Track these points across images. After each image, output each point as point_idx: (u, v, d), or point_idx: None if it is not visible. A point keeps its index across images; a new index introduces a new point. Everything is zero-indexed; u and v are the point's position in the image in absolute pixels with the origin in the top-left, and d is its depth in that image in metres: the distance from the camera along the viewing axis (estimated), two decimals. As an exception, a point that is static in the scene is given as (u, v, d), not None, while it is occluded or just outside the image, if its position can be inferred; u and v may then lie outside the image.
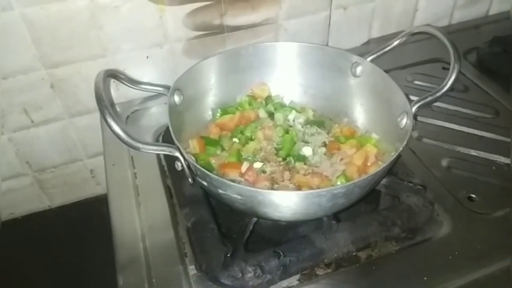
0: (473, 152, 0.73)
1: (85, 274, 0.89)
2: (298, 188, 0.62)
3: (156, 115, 0.82)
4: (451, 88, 0.60)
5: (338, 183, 0.62)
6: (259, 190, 0.55)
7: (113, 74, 0.61)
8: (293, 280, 0.56)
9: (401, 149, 0.55)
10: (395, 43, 0.69)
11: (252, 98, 0.77)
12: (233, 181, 0.61)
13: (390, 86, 0.65)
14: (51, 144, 0.85)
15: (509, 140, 0.75)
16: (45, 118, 0.81)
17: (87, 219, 0.93)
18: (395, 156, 0.54)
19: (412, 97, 0.63)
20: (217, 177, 0.53)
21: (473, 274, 0.56)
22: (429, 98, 0.61)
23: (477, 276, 0.56)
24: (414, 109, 0.60)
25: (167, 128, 0.60)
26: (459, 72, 0.86)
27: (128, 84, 0.64)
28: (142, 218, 0.63)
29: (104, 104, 0.52)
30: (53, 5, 0.69)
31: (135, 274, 0.57)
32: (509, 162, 0.71)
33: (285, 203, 0.53)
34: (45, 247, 0.91)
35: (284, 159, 0.66)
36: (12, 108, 0.78)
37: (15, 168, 0.85)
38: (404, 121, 0.61)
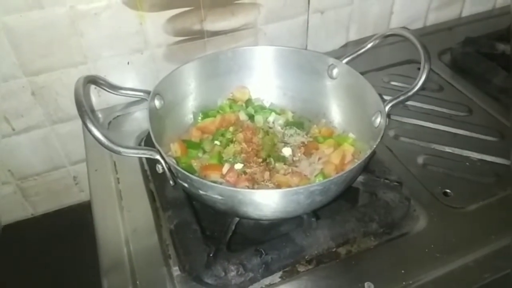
0: (447, 149, 0.75)
1: (70, 282, 0.89)
2: (278, 187, 0.63)
3: (138, 120, 0.82)
4: (423, 87, 0.63)
5: (317, 181, 0.63)
6: (239, 189, 0.56)
7: (93, 80, 0.61)
8: (275, 277, 0.57)
9: (375, 146, 0.57)
10: (369, 45, 0.72)
11: (233, 101, 0.78)
12: (215, 182, 0.62)
13: (365, 86, 0.67)
14: (33, 152, 0.85)
15: (481, 136, 0.77)
16: (26, 125, 0.81)
17: (71, 227, 0.93)
18: (369, 154, 0.56)
19: (388, 97, 0.65)
20: (197, 178, 0.54)
21: (448, 265, 0.58)
22: (402, 97, 0.63)
23: (452, 267, 0.58)
24: (387, 108, 0.62)
25: (149, 133, 0.60)
26: (433, 72, 0.90)
27: (109, 90, 0.65)
28: (125, 222, 0.64)
29: (84, 109, 0.52)
30: (32, 13, 0.70)
31: (119, 277, 0.57)
32: (482, 158, 0.73)
33: (264, 201, 0.54)
34: (29, 255, 0.91)
35: (264, 160, 0.68)
36: (-8, 117, 0.78)
37: (-3, 176, 0.85)
38: (378, 120, 0.63)
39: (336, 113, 0.76)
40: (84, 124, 0.52)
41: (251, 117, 0.76)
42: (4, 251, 0.91)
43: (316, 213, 0.62)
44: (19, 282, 0.89)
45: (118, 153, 0.54)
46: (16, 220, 0.93)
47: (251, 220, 0.64)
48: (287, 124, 0.75)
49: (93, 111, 0.84)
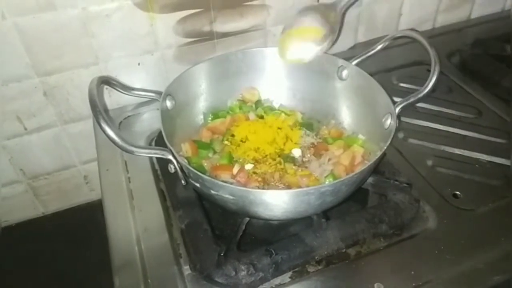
0: (457, 151, 0.75)
1: (80, 280, 0.90)
2: (288, 188, 0.64)
3: (148, 120, 0.83)
4: (433, 89, 0.63)
5: (327, 182, 0.64)
6: (250, 190, 0.56)
7: (106, 81, 0.62)
8: (285, 277, 0.57)
9: (385, 148, 0.57)
10: (379, 47, 0.72)
11: (243, 102, 0.79)
12: (225, 182, 0.63)
13: (375, 88, 0.67)
14: (45, 151, 0.86)
15: (491, 138, 0.77)
16: (38, 125, 0.82)
17: (81, 226, 0.94)
18: (379, 155, 0.56)
19: (397, 99, 0.65)
20: (209, 178, 0.55)
21: (458, 267, 0.58)
22: (412, 99, 0.63)
23: (461, 269, 0.58)
24: (397, 110, 0.63)
25: (160, 133, 0.61)
26: (442, 73, 0.90)
27: (121, 91, 0.65)
28: (136, 221, 0.65)
29: (98, 109, 0.53)
30: (45, 14, 0.71)
31: (131, 275, 0.58)
32: (491, 160, 0.73)
33: (275, 202, 0.55)
34: (39, 254, 0.92)
35: (274, 160, 0.68)
36: (5, 116, 0.79)
37: (9, 175, 0.86)
38: (389, 121, 0.63)
39: (346, 115, 0.76)
40: (99, 124, 0.53)
41: (261, 118, 0.76)
42: (15, 249, 0.92)
43: (326, 214, 0.63)
44: (29, 280, 0.90)
45: (132, 152, 0.55)
46: (27, 218, 0.94)
47: (261, 220, 0.65)
48: (297, 125, 0.75)
49: (106, 111, 0.85)
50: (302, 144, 0.72)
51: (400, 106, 0.63)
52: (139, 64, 0.83)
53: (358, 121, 0.74)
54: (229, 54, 0.77)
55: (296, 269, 0.58)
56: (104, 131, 0.53)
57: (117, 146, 0.54)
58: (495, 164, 0.73)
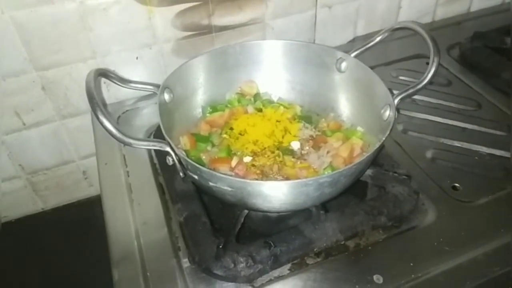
0: (456, 144, 0.75)
1: (79, 275, 0.90)
2: (287, 180, 0.63)
3: (147, 115, 0.83)
4: (431, 81, 0.63)
5: (326, 174, 0.63)
6: (248, 181, 0.56)
7: (103, 73, 0.62)
8: (284, 269, 0.57)
9: (384, 139, 0.57)
10: (378, 39, 0.72)
11: (241, 95, 0.78)
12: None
13: (373, 80, 0.67)
14: (43, 146, 0.86)
15: (490, 131, 0.77)
16: (36, 120, 0.82)
17: (80, 221, 0.94)
18: (378, 146, 0.56)
19: (396, 92, 0.65)
20: (207, 170, 0.54)
21: (457, 259, 0.58)
22: (410, 91, 0.63)
23: (461, 261, 0.58)
24: (396, 101, 0.62)
25: (158, 127, 0.61)
26: (442, 66, 0.90)
27: (119, 83, 0.65)
28: (135, 215, 0.65)
29: (96, 101, 0.53)
30: (42, 8, 0.71)
31: (130, 269, 0.58)
32: (491, 152, 0.73)
33: (273, 193, 0.55)
34: (39, 249, 0.92)
35: (272, 153, 0.68)
36: (3, 111, 0.79)
37: (7, 170, 0.86)
38: (387, 113, 0.63)
39: (345, 107, 0.76)
40: (96, 116, 0.52)
41: (259, 111, 0.76)
42: (14, 245, 0.92)
43: (325, 206, 0.63)
44: (28, 275, 0.90)
45: (129, 145, 0.55)
46: (26, 214, 0.94)
47: (259, 213, 0.65)
48: (296, 118, 0.75)
49: (105, 105, 0.85)
50: (300, 136, 0.71)
51: (399, 97, 0.63)
52: (137, 58, 0.83)
53: (357, 114, 0.74)
54: (228, 47, 0.76)
55: (295, 261, 0.58)
56: (101, 123, 0.52)
57: (115, 138, 0.54)
58: (495, 156, 0.73)
